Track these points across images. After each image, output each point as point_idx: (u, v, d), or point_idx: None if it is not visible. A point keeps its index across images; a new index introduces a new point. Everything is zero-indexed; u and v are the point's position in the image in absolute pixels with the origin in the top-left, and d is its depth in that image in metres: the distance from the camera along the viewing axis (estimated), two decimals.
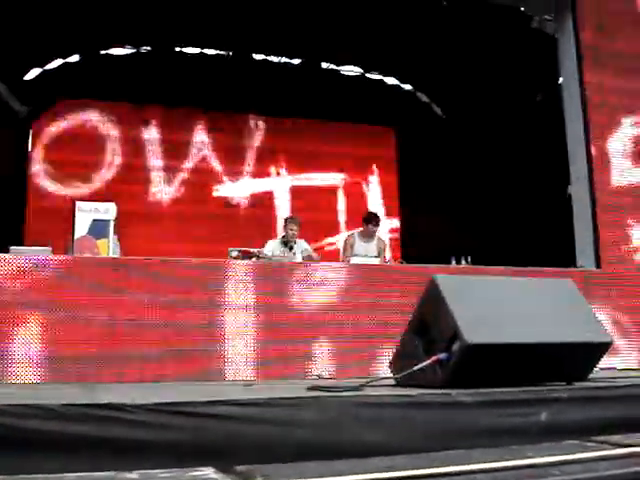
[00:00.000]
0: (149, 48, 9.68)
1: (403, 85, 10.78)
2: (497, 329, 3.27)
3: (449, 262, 6.33)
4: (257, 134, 10.75)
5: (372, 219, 7.40)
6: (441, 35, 8.71)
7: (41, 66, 9.47)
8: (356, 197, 11.09)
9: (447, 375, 3.19)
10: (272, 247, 6.99)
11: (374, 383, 3.41)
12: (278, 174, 10.80)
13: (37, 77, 9.51)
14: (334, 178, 11.13)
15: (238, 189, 10.52)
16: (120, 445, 2.46)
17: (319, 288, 5.23)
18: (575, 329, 3.47)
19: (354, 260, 6.55)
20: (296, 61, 10.19)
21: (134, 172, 10.18)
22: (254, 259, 5.91)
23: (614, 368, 5.18)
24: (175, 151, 10.33)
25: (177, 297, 4.86)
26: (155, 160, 10.24)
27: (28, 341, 4.53)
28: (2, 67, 8.27)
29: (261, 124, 10.77)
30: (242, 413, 2.65)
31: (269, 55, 9.99)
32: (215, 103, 10.12)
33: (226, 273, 5.08)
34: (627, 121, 6.40)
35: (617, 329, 5.70)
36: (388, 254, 7.09)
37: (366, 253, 7.10)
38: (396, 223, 10.93)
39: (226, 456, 2.51)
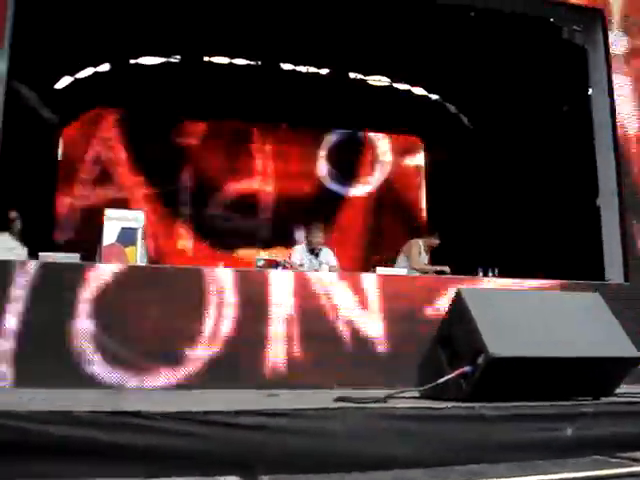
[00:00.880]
0: (179, 58, 9.76)
1: (431, 95, 10.76)
2: (522, 343, 3.25)
3: (476, 273, 6.31)
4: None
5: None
6: (469, 45, 8.69)
7: (72, 74, 9.59)
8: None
9: (471, 388, 3.19)
10: (300, 254, 7.00)
11: (398, 395, 3.41)
12: None
13: (68, 86, 9.63)
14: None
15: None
16: (145, 453, 2.49)
17: None
18: (602, 343, 3.44)
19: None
20: (324, 71, 10.22)
21: None
22: (280, 268, 5.91)
23: None
24: None
25: None
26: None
27: None
28: (33, 76, 8.39)
29: None
30: (267, 423, 2.66)
31: (297, 65, 10.02)
32: (243, 113, 10.26)
33: None
34: None
35: None
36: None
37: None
38: None
39: (251, 466, 2.54)
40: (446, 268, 7.08)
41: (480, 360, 3.15)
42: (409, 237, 7.78)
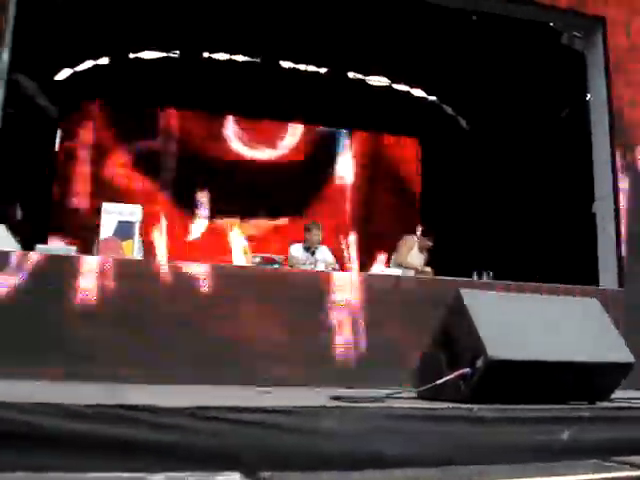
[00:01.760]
0: (178, 53, 9.75)
1: (429, 97, 10.79)
2: (521, 345, 3.27)
3: (470, 276, 6.34)
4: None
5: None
6: (469, 48, 8.73)
7: (72, 67, 9.58)
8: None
9: (470, 390, 3.20)
10: (298, 252, 7.05)
11: (396, 395, 3.42)
12: None
13: (67, 78, 9.62)
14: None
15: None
16: (146, 447, 2.49)
17: None
18: (599, 348, 3.47)
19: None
20: (323, 70, 10.23)
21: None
22: (276, 266, 5.93)
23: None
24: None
25: None
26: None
27: None
28: (34, 66, 8.37)
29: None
30: (266, 420, 2.67)
31: (297, 63, 10.03)
32: (242, 109, 10.26)
33: None
34: None
35: None
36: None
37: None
38: None
39: (251, 462, 2.54)
40: (427, 269, 7.15)
41: (479, 362, 3.17)
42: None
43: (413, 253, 7.42)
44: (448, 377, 3.24)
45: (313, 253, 7.04)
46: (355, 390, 3.78)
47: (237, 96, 9.93)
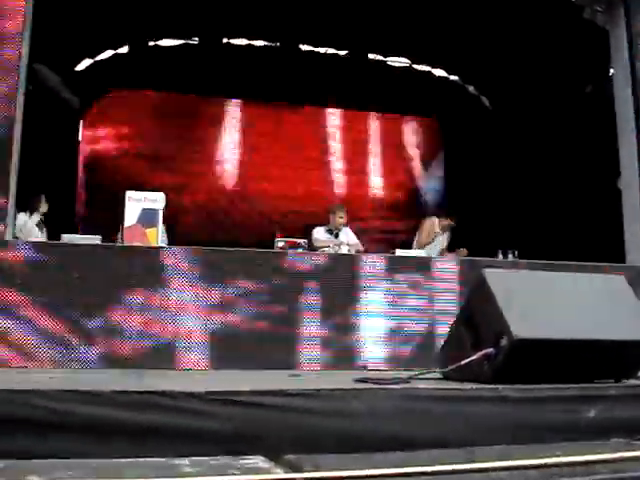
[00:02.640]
0: (197, 39, 9.76)
1: (451, 76, 10.70)
2: (546, 325, 3.25)
3: (496, 256, 6.29)
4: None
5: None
6: (490, 26, 8.62)
7: (92, 57, 9.61)
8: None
9: (495, 370, 3.19)
10: (321, 234, 7.05)
11: (421, 376, 3.42)
12: None
13: (88, 67, 9.66)
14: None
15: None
16: (171, 432, 2.51)
17: None
18: (625, 326, 3.43)
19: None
20: (343, 52, 10.17)
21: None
22: (300, 250, 5.92)
23: None
24: None
25: None
26: None
27: None
28: (55, 58, 8.41)
29: None
30: (290, 403, 2.68)
31: (317, 46, 9.98)
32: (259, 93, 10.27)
33: None
34: None
35: None
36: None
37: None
38: None
39: (275, 445, 2.55)
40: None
41: (503, 342, 3.15)
42: None
43: (436, 234, 7.40)
44: (472, 357, 3.23)
45: (337, 235, 7.05)
46: (380, 372, 3.79)
47: (256, 81, 9.92)
